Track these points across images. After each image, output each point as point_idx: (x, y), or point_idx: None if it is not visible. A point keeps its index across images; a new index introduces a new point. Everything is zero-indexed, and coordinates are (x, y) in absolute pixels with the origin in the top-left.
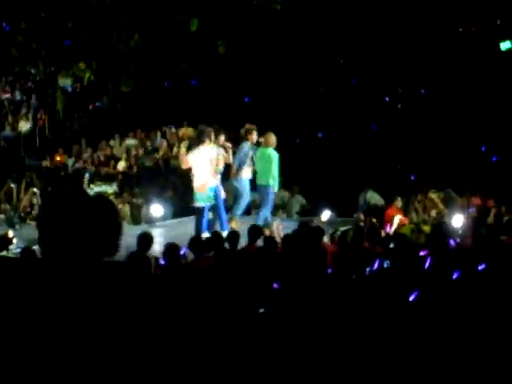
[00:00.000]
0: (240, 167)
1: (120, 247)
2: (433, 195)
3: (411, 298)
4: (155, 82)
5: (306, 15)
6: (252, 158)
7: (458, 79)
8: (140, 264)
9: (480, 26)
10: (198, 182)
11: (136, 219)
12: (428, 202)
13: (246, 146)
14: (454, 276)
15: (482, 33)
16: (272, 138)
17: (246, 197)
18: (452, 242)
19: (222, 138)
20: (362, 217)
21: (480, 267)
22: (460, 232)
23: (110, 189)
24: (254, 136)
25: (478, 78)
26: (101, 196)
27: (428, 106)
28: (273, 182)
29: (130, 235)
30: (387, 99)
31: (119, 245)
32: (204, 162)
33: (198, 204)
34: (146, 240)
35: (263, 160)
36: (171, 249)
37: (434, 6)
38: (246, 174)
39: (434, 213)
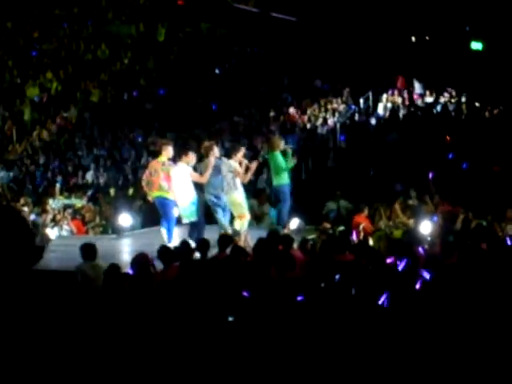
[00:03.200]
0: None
1: (40, 255)
2: (396, 206)
3: (380, 302)
4: (123, 91)
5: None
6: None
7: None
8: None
9: (451, 29)
10: (180, 198)
11: (105, 229)
12: (393, 210)
13: (211, 162)
14: (419, 283)
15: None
16: (274, 142)
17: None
18: (421, 248)
19: (240, 153)
20: (328, 225)
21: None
22: (428, 239)
23: (79, 202)
24: (215, 151)
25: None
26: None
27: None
28: (283, 181)
29: (100, 245)
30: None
31: (34, 253)
32: (183, 177)
33: (185, 220)
34: (89, 251)
35: (271, 163)
36: (140, 259)
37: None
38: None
39: (397, 221)
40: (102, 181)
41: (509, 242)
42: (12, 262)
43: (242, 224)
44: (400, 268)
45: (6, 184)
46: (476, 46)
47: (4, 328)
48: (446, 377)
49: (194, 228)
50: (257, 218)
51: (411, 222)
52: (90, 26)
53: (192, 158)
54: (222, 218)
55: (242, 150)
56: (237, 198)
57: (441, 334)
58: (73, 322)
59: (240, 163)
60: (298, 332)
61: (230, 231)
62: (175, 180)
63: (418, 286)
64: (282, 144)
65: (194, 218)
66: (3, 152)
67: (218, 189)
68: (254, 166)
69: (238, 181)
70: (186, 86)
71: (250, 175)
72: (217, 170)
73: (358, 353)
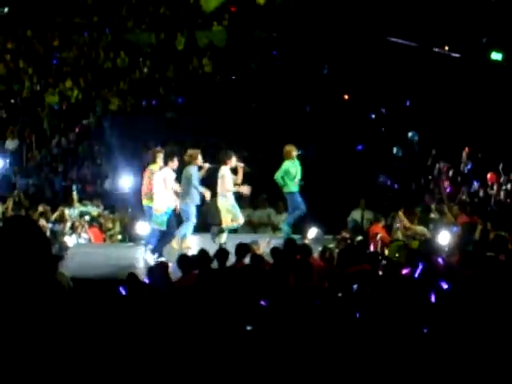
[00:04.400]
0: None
1: (56, 259)
2: (401, 215)
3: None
4: (142, 100)
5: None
6: (196, 183)
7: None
8: None
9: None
10: (158, 203)
11: (124, 237)
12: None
13: (191, 171)
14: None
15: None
16: (286, 151)
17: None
18: (439, 259)
19: (234, 158)
20: (347, 235)
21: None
22: (446, 249)
23: (95, 210)
24: (199, 160)
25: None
26: (12, 217)
27: (412, 121)
28: (290, 187)
29: (117, 253)
30: (373, 116)
31: (52, 258)
32: (166, 183)
33: (153, 225)
34: None
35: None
36: (159, 267)
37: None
38: (193, 198)
39: (411, 231)
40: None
41: None
42: (29, 272)
43: (226, 227)
44: (416, 275)
45: (23, 192)
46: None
47: (24, 336)
48: None
49: (161, 236)
50: (274, 227)
51: (421, 229)
52: (110, 35)
53: (176, 163)
54: (185, 227)
55: (233, 156)
56: (223, 205)
57: (457, 344)
58: (91, 330)
59: (236, 169)
60: (315, 341)
61: (176, 241)
62: (157, 184)
63: (433, 297)
64: (294, 152)
65: (163, 228)
66: (22, 159)
67: (186, 197)
68: (241, 167)
69: (227, 188)
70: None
71: (239, 178)
72: (186, 178)
73: (375, 362)
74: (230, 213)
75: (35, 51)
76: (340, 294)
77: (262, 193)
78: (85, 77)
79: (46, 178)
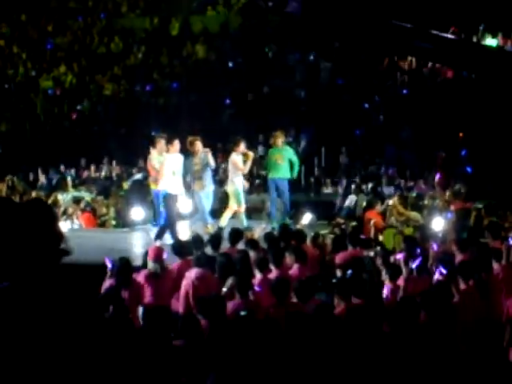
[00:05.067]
0: (191, 180)
1: (63, 253)
2: (396, 201)
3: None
4: (136, 85)
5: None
6: (200, 171)
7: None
8: None
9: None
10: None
11: (118, 223)
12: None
13: (191, 159)
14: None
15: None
16: (274, 139)
17: (202, 207)
18: (435, 245)
19: (243, 145)
20: (341, 220)
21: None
22: (441, 235)
23: (88, 195)
24: (199, 147)
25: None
26: (35, 201)
27: (409, 108)
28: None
29: (111, 238)
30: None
31: (60, 251)
32: (174, 167)
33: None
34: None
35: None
36: (155, 252)
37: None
38: (198, 186)
39: (402, 217)
40: (114, 174)
41: (511, 242)
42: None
43: (226, 216)
44: (414, 266)
45: (18, 177)
46: None
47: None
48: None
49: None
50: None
51: (415, 214)
52: (104, 20)
53: (177, 146)
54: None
55: (243, 143)
56: (229, 191)
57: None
58: (86, 317)
59: (245, 154)
60: (310, 330)
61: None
62: (167, 169)
63: (435, 279)
64: (280, 139)
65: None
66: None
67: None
68: (251, 154)
69: (236, 174)
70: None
71: (248, 166)
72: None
73: (371, 352)
74: (235, 198)
75: (29, 36)
76: (334, 280)
77: (256, 178)
78: (79, 62)
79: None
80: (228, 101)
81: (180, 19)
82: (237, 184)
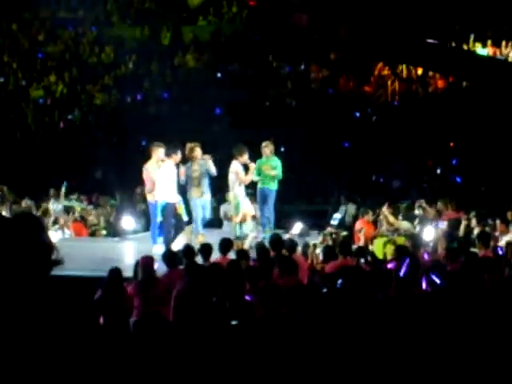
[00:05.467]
0: (188, 187)
1: (53, 264)
2: (385, 211)
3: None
4: (127, 95)
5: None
6: (199, 178)
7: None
8: None
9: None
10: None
11: (108, 232)
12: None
13: (190, 166)
14: (427, 286)
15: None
16: (263, 149)
17: (196, 215)
18: (425, 254)
19: (246, 155)
20: (332, 230)
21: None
22: (431, 245)
23: (78, 205)
24: (198, 153)
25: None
26: (22, 215)
27: (400, 120)
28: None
29: (102, 248)
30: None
31: (51, 262)
32: (169, 176)
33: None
34: None
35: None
36: (145, 261)
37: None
38: (196, 193)
39: (392, 227)
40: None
41: (500, 252)
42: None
43: (248, 226)
44: (402, 272)
45: (7, 187)
46: None
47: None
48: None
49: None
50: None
51: (405, 224)
52: (95, 29)
53: (179, 157)
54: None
55: (247, 153)
56: (233, 200)
57: (442, 339)
58: (74, 327)
59: (246, 165)
60: (301, 336)
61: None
62: (161, 178)
63: (424, 287)
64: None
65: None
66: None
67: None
68: (253, 166)
69: (237, 183)
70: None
71: (250, 176)
72: (187, 172)
73: (358, 358)
74: (233, 207)
75: (20, 45)
76: (325, 290)
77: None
78: (70, 72)
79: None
80: (218, 110)
81: (171, 29)
82: (238, 193)
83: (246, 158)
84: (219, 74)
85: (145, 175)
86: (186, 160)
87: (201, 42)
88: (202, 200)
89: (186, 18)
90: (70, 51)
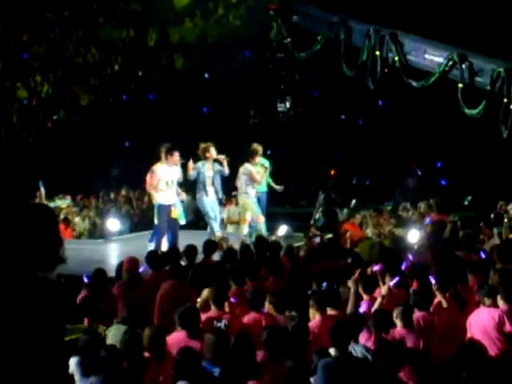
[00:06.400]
0: (201, 188)
1: (59, 260)
2: (371, 212)
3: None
4: (113, 95)
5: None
6: (212, 177)
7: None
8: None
9: None
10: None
11: (93, 234)
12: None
13: (203, 165)
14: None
15: None
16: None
17: (208, 216)
18: (410, 256)
19: (258, 157)
20: (317, 232)
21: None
22: (416, 247)
23: (63, 203)
24: (213, 152)
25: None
26: (41, 206)
27: (386, 123)
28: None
29: (87, 249)
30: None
31: (57, 258)
32: (169, 178)
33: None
34: None
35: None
36: (130, 263)
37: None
38: (210, 192)
39: (386, 230)
40: (90, 184)
41: (483, 256)
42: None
43: (242, 228)
44: (392, 284)
45: None
46: None
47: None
48: None
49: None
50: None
51: (398, 231)
52: (81, 30)
53: (177, 158)
54: (209, 220)
55: (260, 155)
56: (244, 203)
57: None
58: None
59: (263, 167)
60: (286, 337)
61: (218, 234)
62: (161, 180)
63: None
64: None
65: (182, 220)
66: None
67: (200, 191)
68: (268, 169)
69: (251, 185)
70: (176, 90)
71: (264, 177)
72: (197, 172)
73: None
74: (252, 209)
75: (5, 46)
76: (309, 292)
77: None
78: (55, 72)
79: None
80: (205, 110)
81: (157, 30)
82: (251, 195)
83: (258, 159)
84: (206, 75)
85: (149, 177)
86: (197, 158)
87: (187, 43)
88: (212, 200)
89: (172, 19)
90: (55, 52)
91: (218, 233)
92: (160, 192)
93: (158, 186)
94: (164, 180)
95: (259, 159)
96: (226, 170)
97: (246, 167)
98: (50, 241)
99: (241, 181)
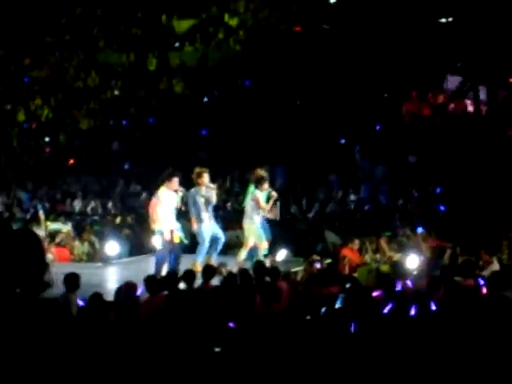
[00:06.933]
0: (198, 215)
1: (44, 285)
2: (382, 241)
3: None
4: (112, 119)
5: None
6: (207, 203)
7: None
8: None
9: None
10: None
11: (92, 257)
12: (379, 245)
13: (197, 191)
14: (411, 313)
15: None
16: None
17: (202, 244)
18: (409, 282)
19: (266, 184)
20: (316, 257)
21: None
22: (415, 273)
23: (64, 227)
24: (206, 179)
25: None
26: (25, 230)
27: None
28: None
29: (85, 273)
30: (343, 141)
31: (42, 282)
32: (167, 203)
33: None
34: (72, 281)
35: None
36: (127, 287)
37: None
38: (205, 218)
39: (386, 256)
40: (89, 209)
41: (481, 282)
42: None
43: (241, 252)
44: (386, 311)
45: None
46: None
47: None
48: None
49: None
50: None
51: (398, 256)
52: (81, 54)
53: (176, 184)
54: (201, 247)
55: (267, 182)
56: (249, 228)
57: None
58: (55, 351)
59: (270, 194)
60: (282, 364)
61: (199, 262)
62: (162, 205)
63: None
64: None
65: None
66: None
67: (192, 218)
68: (275, 195)
69: (256, 211)
70: (176, 114)
71: (270, 205)
72: (191, 198)
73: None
74: (255, 236)
75: (6, 69)
76: (308, 317)
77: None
78: (55, 96)
79: (14, 196)
80: (205, 132)
81: (157, 54)
82: (256, 221)
83: (266, 186)
84: (206, 99)
85: (153, 202)
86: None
87: (187, 67)
88: (208, 226)
89: (172, 44)
90: (55, 75)
91: (198, 262)
92: (161, 217)
93: (160, 210)
94: (165, 205)
95: (267, 186)
96: (214, 200)
97: (255, 194)
98: (34, 265)
99: (248, 206)
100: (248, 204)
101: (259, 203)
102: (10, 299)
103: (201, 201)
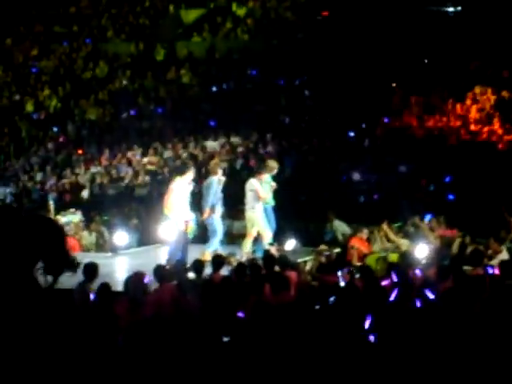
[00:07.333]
0: (213, 206)
1: (71, 265)
2: (385, 227)
3: (366, 325)
4: (121, 109)
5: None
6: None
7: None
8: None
9: None
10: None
11: (101, 248)
12: (384, 233)
13: (214, 182)
14: (417, 304)
15: None
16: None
17: (214, 234)
18: (418, 271)
19: (266, 175)
20: (325, 247)
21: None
22: (424, 262)
23: (75, 218)
24: (219, 171)
25: None
26: (41, 217)
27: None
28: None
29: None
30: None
31: (68, 262)
32: (181, 194)
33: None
34: (91, 270)
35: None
36: (135, 277)
37: None
38: (219, 208)
39: (393, 244)
40: (97, 198)
41: (490, 271)
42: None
43: (246, 242)
44: (392, 297)
45: (1, 201)
46: None
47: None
48: None
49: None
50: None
51: (404, 242)
52: (89, 44)
53: (191, 176)
54: (214, 238)
55: (267, 173)
56: (250, 218)
57: (434, 356)
58: (65, 341)
59: (271, 185)
60: (291, 353)
61: (209, 252)
62: (175, 196)
63: (419, 305)
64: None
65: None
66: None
67: (207, 208)
68: (274, 185)
69: (257, 200)
70: (187, 103)
71: (270, 195)
72: (207, 188)
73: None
74: (258, 225)
75: (14, 60)
76: (317, 307)
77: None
78: (63, 86)
79: (23, 187)
80: (212, 124)
81: (165, 44)
82: (258, 211)
83: (265, 176)
84: (214, 88)
85: (169, 191)
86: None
87: (195, 57)
88: (219, 217)
89: (180, 34)
90: (64, 66)
91: (207, 252)
92: (177, 206)
93: (174, 200)
94: (179, 195)
95: (267, 176)
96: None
97: (252, 184)
98: (59, 246)
99: (248, 196)
100: (248, 194)
101: (258, 193)
102: (23, 289)
103: (218, 191)
